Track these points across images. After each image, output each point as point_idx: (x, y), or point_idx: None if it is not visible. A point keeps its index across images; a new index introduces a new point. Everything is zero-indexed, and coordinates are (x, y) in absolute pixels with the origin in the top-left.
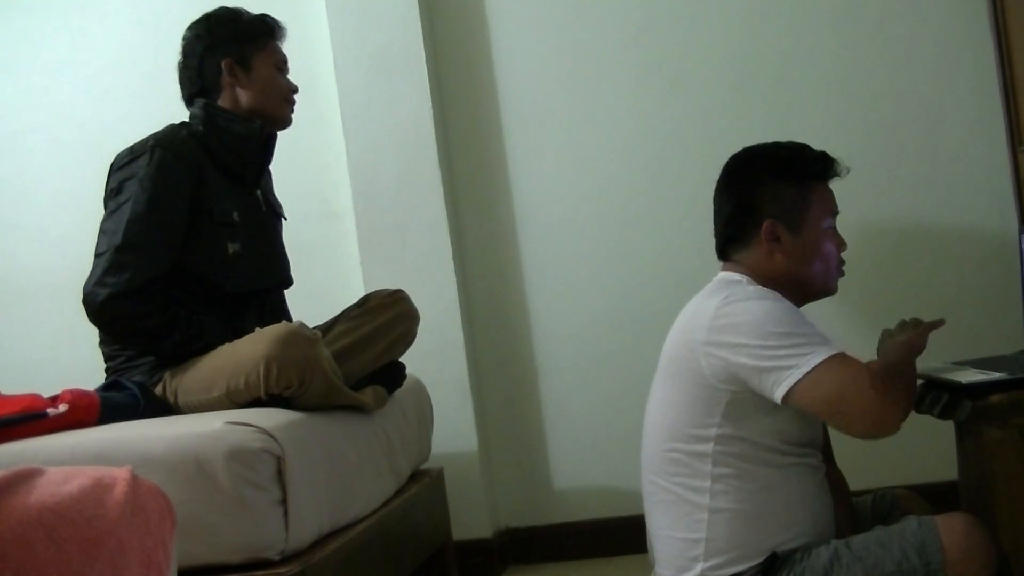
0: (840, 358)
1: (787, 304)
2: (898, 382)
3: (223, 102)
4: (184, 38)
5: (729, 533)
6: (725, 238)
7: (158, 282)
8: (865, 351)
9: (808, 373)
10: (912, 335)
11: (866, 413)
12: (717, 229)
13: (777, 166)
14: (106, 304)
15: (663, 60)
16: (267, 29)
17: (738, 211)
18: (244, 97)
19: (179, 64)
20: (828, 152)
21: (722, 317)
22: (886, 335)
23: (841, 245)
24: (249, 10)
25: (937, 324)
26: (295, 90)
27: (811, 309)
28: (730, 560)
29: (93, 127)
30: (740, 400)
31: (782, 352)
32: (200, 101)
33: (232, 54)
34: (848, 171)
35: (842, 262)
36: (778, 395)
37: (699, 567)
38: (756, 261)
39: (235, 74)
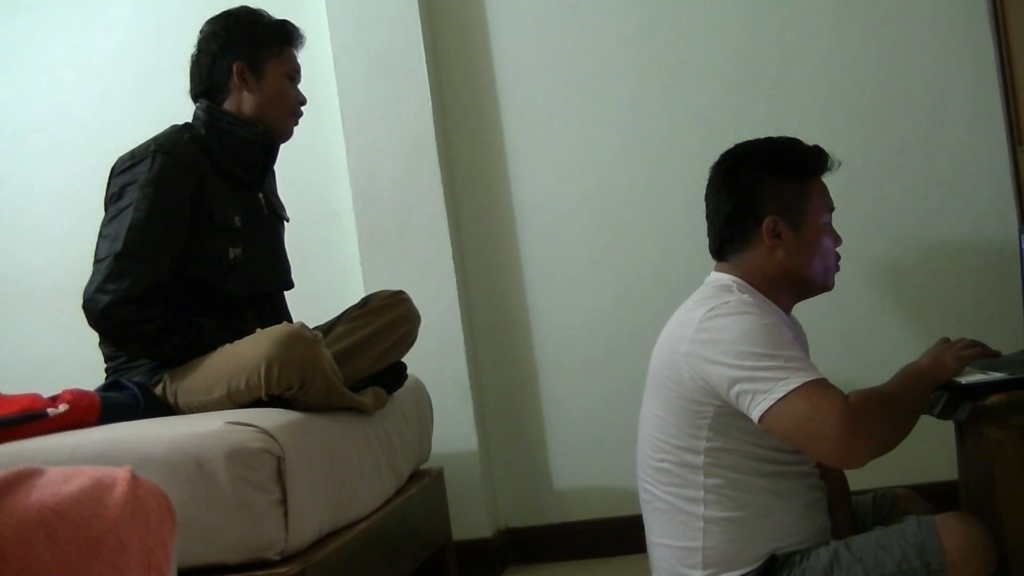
0: (814, 385)
1: (771, 321)
2: (878, 416)
3: (228, 105)
4: (201, 32)
5: (726, 541)
6: (723, 237)
7: (158, 288)
8: (864, 350)
9: (780, 399)
10: (943, 356)
11: (829, 448)
12: (714, 229)
13: (775, 162)
14: (106, 311)
15: (663, 60)
16: (285, 36)
17: (738, 209)
18: (250, 103)
19: (192, 57)
20: (821, 147)
21: (704, 331)
22: (940, 343)
23: (837, 241)
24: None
25: (989, 354)
26: (303, 102)
27: (811, 308)
28: (729, 567)
29: (93, 127)
30: (725, 413)
31: (757, 374)
32: (203, 103)
33: (244, 57)
34: (839, 164)
35: (838, 258)
36: (754, 417)
37: (698, 575)
38: (755, 260)
39: (244, 78)
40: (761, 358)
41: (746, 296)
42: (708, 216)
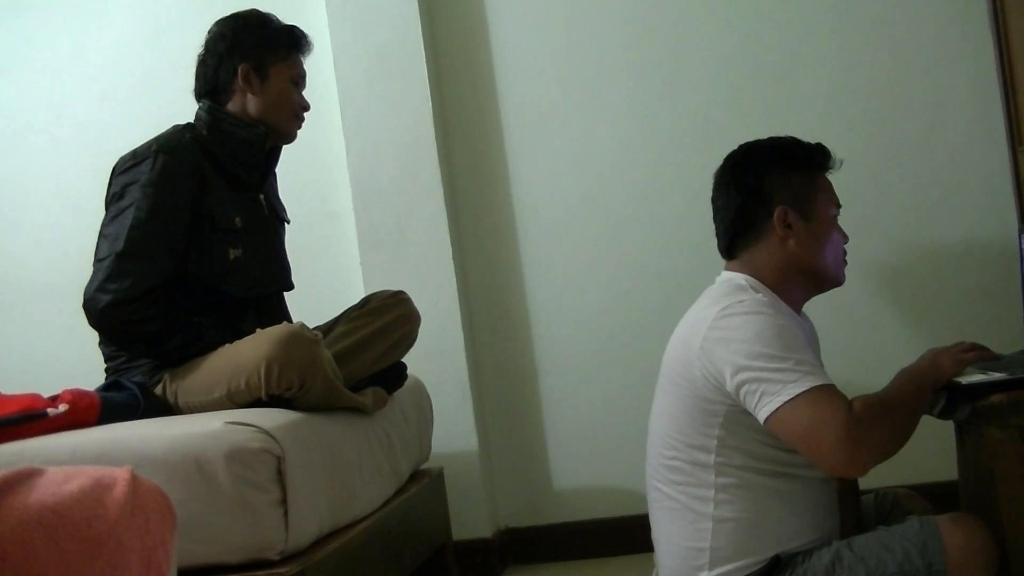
0: (822, 391)
1: (785, 322)
2: (881, 425)
3: (232, 106)
4: (209, 32)
5: (734, 541)
6: (733, 233)
7: (159, 288)
8: (863, 350)
9: (788, 402)
10: (941, 359)
11: (832, 455)
12: (722, 226)
13: (782, 155)
14: (107, 311)
15: (663, 60)
16: (292, 41)
17: (748, 202)
18: (254, 105)
19: (199, 56)
20: (823, 144)
21: (717, 329)
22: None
23: (844, 237)
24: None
25: (987, 356)
26: (306, 108)
27: (810, 307)
28: (735, 569)
29: (93, 127)
30: (737, 412)
31: (766, 375)
32: (205, 103)
33: (250, 60)
34: (841, 163)
35: (845, 254)
36: (760, 418)
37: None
38: (766, 254)
39: (249, 81)
40: (771, 359)
41: (760, 295)
42: (716, 216)
